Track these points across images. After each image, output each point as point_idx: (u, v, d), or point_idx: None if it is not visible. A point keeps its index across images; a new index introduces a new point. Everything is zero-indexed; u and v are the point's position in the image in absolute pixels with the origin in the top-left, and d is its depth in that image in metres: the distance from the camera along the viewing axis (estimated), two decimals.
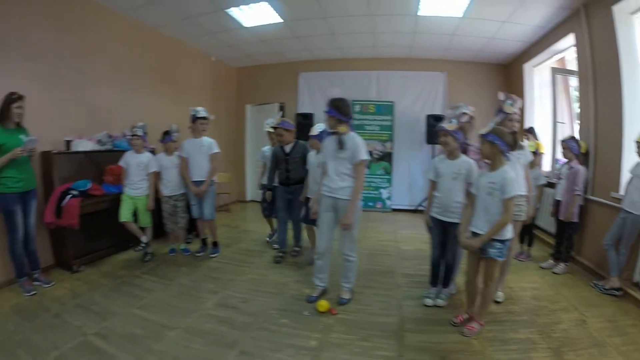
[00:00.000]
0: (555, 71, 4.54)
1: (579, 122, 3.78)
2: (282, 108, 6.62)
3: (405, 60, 5.97)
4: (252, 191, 7.07)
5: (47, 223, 3.06)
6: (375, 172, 6.07)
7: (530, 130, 4.45)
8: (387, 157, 6.05)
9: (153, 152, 3.76)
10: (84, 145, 3.46)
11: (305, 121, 5.89)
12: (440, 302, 2.52)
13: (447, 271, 2.52)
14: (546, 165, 4.51)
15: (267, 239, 4.19)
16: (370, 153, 6.03)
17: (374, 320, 2.33)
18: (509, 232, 1.98)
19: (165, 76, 4.91)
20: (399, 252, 3.93)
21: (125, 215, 3.36)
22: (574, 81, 4.26)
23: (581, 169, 3.21)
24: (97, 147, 3.60)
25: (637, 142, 2.60)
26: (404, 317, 2.38)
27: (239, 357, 1.97)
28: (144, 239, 3.51)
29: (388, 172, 6.06)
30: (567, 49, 4.27)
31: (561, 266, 3.23)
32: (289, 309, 2.54)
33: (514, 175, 1.94)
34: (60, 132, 3.36)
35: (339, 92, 6.19)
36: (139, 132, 3.39)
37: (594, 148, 3.41)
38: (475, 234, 2.04)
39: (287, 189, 3.46)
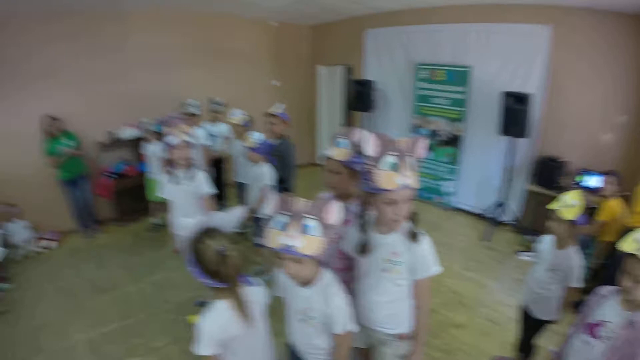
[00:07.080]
0: None
1: None
2: (350, 71, 5.84)
3: (493, 7, 3.93)
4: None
5: None
6: (438, 158, 4.73)
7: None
8: (455, 141, 4.52)
9: None
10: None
11: (362, 89, 5.03)
12: None
13: None
14: None
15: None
16: (435, 133, 4.68)
17: None
18: None
19: (220, 54, 5.17)
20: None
21: None
22: None
23: None
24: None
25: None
26: None
27: None
28: None
29: (454, 162, 4.60)
30: None
31: None
32: None
33: None
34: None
35: (406, 53, 4.84)
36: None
37: None
38: None
39: None
